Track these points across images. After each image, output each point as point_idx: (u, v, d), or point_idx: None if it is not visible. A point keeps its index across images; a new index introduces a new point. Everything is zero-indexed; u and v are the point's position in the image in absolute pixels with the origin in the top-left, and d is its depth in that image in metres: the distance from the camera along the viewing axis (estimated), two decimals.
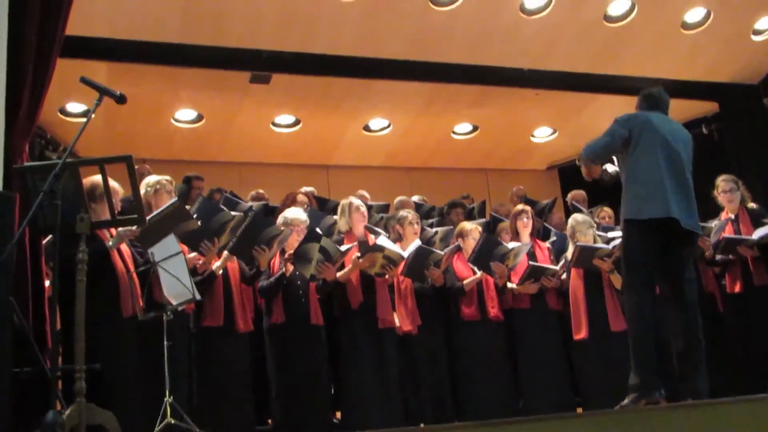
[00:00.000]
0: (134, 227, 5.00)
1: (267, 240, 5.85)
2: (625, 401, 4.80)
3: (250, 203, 7.62)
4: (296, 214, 6.52)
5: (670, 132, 5.19)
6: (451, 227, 7.52)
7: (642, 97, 5.49)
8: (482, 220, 8.40)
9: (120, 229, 5.05)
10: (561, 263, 7.06)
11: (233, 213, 5.79)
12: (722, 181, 7.07)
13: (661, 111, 5.36)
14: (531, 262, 6.90)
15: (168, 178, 5.88)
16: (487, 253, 6.73)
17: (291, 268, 6.08)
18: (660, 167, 5.02)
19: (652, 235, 4.96)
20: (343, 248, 6.22)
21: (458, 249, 7.06)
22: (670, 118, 5.38)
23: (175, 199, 5.32)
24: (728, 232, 6.85)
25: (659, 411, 4.34)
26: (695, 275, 5.19)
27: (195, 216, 5.48)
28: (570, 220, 7.16)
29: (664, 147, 5.08)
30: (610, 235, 6.88)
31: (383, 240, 6.39)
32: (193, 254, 5.65)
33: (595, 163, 5.37)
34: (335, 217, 7.13)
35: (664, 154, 5.06)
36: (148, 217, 5.05)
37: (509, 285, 6.96)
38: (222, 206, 5.84)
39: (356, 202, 6.77)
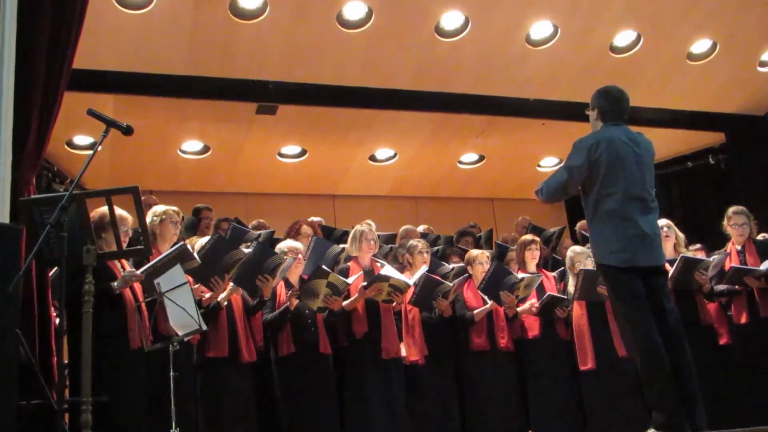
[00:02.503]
0: (139, 272, 5.02)
1: (270, 269, 5.85)
2: None
3: (258, 232, 7.61)
4: (293, 243, 6.53)
5: (634, 157, 4.85)
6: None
7: (602, 98, 5.06)
8: (490, 251, 8.36)
9: (125, 273, 5.05)
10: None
11: (246, 250, 5.77)
12: (734, 215, 6.90)
13: (622, 120, 5.01)
14: (550, 293, 6.88)
15: (175, 208, 5.85)
16: (497, 282, 6.70)
17: (295, 302, 6.07)
18: (624, 205, 4.77)
19: (625, 271, 4.76)
20: (349, 280, 6.22)
21: (467, 279, 7.04)
22: (630, 132, 4.99)
23: (181, 243, 5.31)
24: (733, 263, 6.77)
25: None
26: (674, 306, 4.84)
27: (208, 254, 5.47)
28: (568, 252, 7.18)
29: (627, 177, 4.78)
30: None
31: (388, 269, 6.40)
32: (197, 285, 5.63)
33: (559, 200, 5.13)
34: (341, 246, 7.12)
35: (628, 187, 4.77)
36: (152, 262, 5.09)
37: (518, 309, 6.91)
38: (235, 244, 5.81)
39: (368, 233, 6.72)
